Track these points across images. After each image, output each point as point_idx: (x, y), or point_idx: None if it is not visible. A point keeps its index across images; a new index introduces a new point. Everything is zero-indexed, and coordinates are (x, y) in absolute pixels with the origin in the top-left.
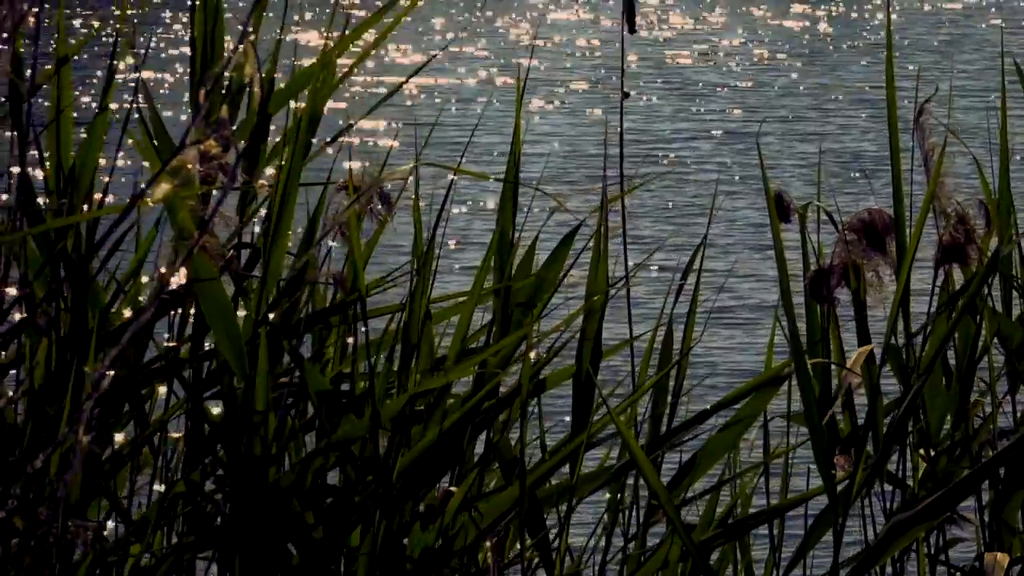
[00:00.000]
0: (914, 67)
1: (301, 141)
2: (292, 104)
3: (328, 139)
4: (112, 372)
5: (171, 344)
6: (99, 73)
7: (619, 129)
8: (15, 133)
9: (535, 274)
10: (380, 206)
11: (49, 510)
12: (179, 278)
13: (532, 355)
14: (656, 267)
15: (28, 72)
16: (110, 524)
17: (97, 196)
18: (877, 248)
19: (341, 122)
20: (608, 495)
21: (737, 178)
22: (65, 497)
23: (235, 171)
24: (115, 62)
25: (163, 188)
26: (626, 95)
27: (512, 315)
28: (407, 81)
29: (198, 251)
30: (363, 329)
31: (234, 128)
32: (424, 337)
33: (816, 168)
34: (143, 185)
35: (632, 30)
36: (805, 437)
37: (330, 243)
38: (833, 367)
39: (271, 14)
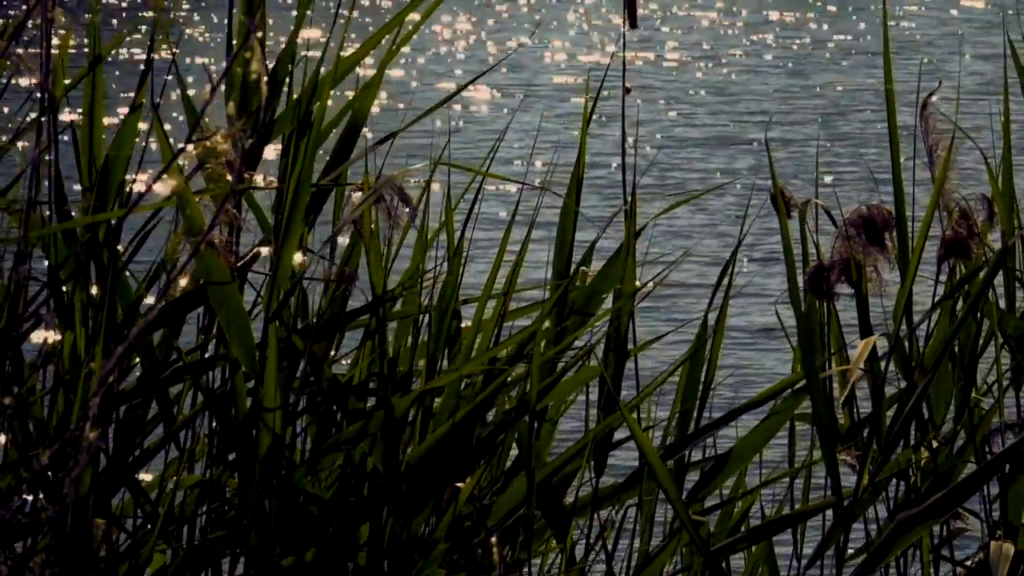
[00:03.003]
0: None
1: (313, 136)
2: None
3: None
4: (123, 368)
5: (194, 344)
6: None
7: (621, 127)
8: (47, 130)
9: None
10: (400, 206)
11: (57, 506)
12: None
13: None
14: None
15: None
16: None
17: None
18: (876, 243)
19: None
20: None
21: (738, 185)
22: (77, 493)
23: (240, 169)
24: (152, 56)
25: (170, 184)
26: (627, 91)
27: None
28: (472, 82)
29: (208, 250)
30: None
31: (272, 121)
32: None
33: (825, 169)
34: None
35: (634, 25)
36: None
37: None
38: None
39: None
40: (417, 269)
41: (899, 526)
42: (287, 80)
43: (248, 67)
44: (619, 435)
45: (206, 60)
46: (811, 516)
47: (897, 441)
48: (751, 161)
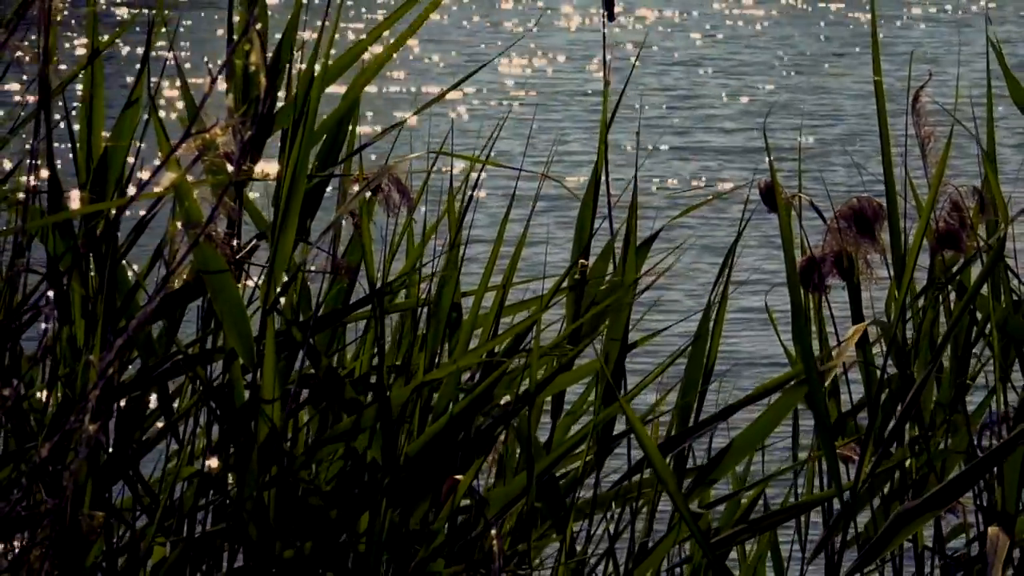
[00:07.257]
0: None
1: (309, 127)
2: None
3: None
4: (122, 361)
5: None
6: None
7: (605, 119)
8: (44, 123)
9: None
10: (397, 196)
11: (56, 500)
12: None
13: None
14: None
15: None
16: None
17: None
18: (867, 235)
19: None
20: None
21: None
22: (75, 487)
23: (240, 161)
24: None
25: (168, 176)
26: (607, 83)
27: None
28: (475, 72)
29: (205, 242)
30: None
31: (274, 114)
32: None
33: (822, 168)
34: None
35: (611, 18)
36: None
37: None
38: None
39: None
40: (416, 260)
41: (897, 519)
42: (285, 72)
43: (247, 59)
44: (622, 429)
45: (187, 56)
46: (809, 509)
47: (895, 434)
48: (754, 165)
